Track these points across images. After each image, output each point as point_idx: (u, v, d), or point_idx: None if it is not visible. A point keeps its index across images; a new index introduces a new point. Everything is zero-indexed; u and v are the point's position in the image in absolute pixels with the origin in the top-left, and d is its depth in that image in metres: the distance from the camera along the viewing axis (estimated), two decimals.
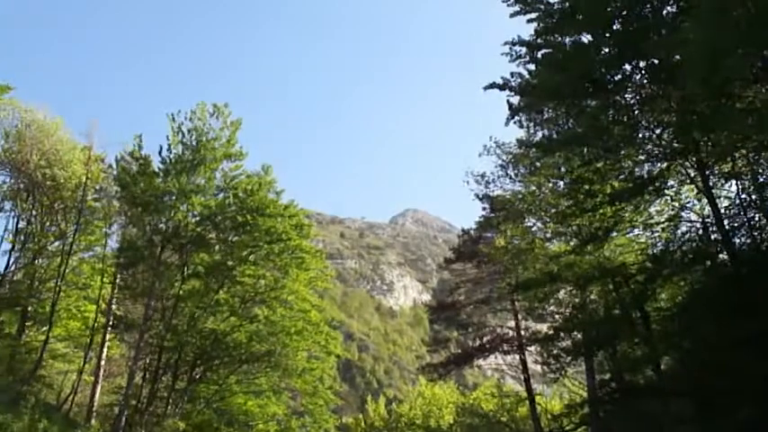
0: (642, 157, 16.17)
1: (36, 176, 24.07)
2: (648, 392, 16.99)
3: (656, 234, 17.59)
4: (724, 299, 13.37)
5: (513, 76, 16.66)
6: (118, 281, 25.20)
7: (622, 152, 15.99)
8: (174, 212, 23.99)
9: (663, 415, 15.92)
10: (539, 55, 16.24)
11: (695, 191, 16.28)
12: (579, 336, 20.43)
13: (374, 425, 44.54)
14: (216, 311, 24.71)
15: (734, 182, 15.42)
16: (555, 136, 17.63)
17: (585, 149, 16.23)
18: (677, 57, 13.47)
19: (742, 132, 12.96)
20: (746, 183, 15.19)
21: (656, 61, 14.67)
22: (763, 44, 11.18)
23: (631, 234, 18.79)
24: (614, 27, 14.93)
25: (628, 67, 15.23)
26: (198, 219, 24.53)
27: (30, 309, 24.78)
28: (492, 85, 16.53)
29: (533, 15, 15.73)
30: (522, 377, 25.36)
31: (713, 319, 13.54)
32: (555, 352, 21.81)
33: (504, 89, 16.58)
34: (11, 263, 25.22)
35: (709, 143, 14.60)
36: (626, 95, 15.64)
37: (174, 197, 23.87)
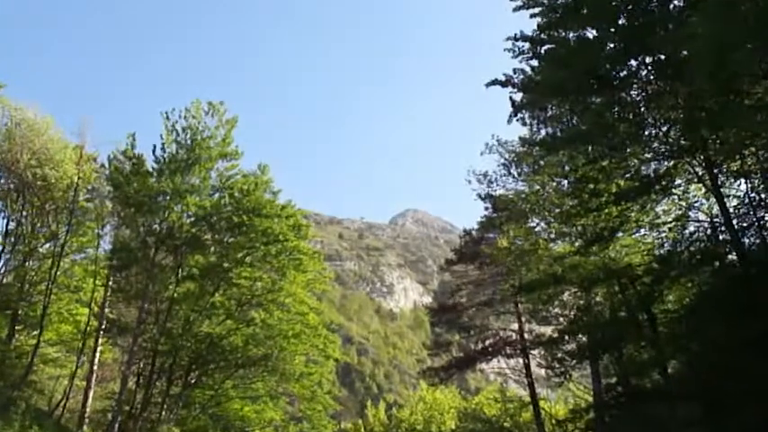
0: (648, 156, 16.17)
1: (26, 176, 24.01)
2: (655, 396, 16.97)
3: (663, 234, 17.58)
4: (733, 300, 13.36)
5: (515, 73, 16.69)
6: (111, 283, 25.14)
7: (628, 150, 15.98)
8: (169, 213, 23.95)
9: (670, 419, 15.90)
10: (542, 50, 16.22)
11: (703, 190, 16.26)
12: (584, 339, 20.43)
13: (374, 430, 44.56)
14: (211, 314, 24.67)
15: (743, 180, 15.42)
16: (559, 134, 17.63)
17: (590, 147, 16.23)
18: (684, 52, 13.46)
19: (751, 129, 12.96)
20: (756, 181, 15.17)
21: (662, 57, 14.65)
22: None
23: (637, 234, 18.78)
24: (620, 22, 14.92)
25: (633, 62, 15.23)
26: (193, 219, 24.50)
27: (20, 312, 24.71)
28: (494, 82, 16.54)
29: (536, 10, 15.71)
30: (526, 381, 25.35)
31: (722, 320, 13.52)
32: (559, 355, 21.81)
33: (507, 86, 16.60)
34: (0, 265, 25.21)
35: (718, 141, 14.58)
36: (632, 92, 15.64)
37: (168, 197, 23.84)
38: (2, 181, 25.24)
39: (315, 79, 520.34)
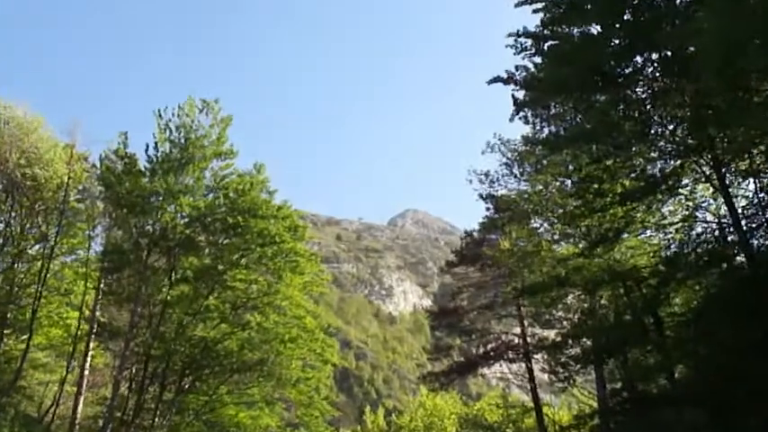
0: (654, 155, 16.15)
1: (15, 176, 23.97)
2: (662, 402, 16.93)
3: (670, 235, 17.55)
4: (741, 303, 13.33)
5: (518, 70, 16.64)
6: (102, 286, 25.10)
7: (633, 149, 15.95)
8: (162, 214, 23.91)
9: (677, 425, 15.88)
10: (545, 47, 16.19)
11: (711, 190, 16.24)
12: (588, 343, 20.41)
13: None
14: (206, 318, 24.62)
15: (751, 180, 15.38)
16: (562, 132, 17.60)
17: (594, 146, 16.19)
18: (691, 48, 13.45)
19: (760, 127, 12.94)
20: (765, 181, 15.15)
21: (669, 53, 14.63)
22: None
23: (643, 235, 18.77)
24: (625, 17, 14.88)
25: (639, 59, 15.19)
26: (186, 220, 24.45)
27: (9, 316, 24.66)
28: (496, 79, 16.51)
29: (539, 5, 15.68)
30: (529, 386, 25.33)
31: (730, 324, 13.50)
32: (563, 360, 21.79)
33: (509, 83, 16.56)
34: None
35: (726, 139, 14.56)
36: (637, 89, 15.60)
37: (161, 198, 23.80)
38: None
39: (312, 78, 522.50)
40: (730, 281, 14.90)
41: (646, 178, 16.18)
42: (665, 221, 17.45)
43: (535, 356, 24.90)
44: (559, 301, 21.72)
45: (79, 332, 24.53)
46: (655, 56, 15.04)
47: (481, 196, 24.54)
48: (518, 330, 25.80)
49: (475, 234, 27.55)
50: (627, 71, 15.34)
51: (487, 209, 24.99)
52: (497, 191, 24.15)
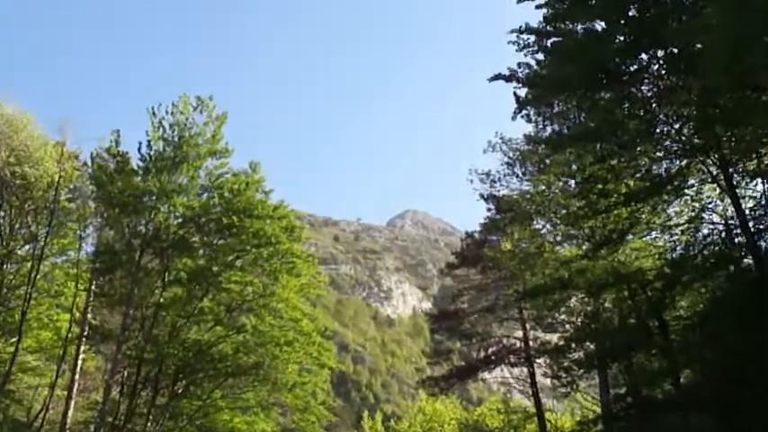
0: (660, 154, 16.15)
1: (4, 174, 23.90)
2: (667, 407, 16.95)
3: (676, 237, 17.56)
4: (748, 306, 13.34)
5: (520, 67, 16.64)
6: (93, 288, 25.04)
7: (639, 148, 15.96)
8: (155, 214, 23.87)
9: (682, 431, 15.88)
10: (548, 44, 16.19)
11: (717, 190, 16.25)
12: (592, 347, 20.41)
13: None
14: (200, 321, 24.60)
15: (759, 180, 15.41)
16: (565, 131, 17.62)
17: (598, 146, 16.18)
18: (698, 45, 13.44)
19: None
20: None
21: (675, 50, 14.63)
22: None
23: (648, 237, 18.78)
24: (630, 13, 14.90)
25: (644, 56, 15.20)
26: (180, 220, 24.41)
27: None
28: (497, 77, 16.50)
29: (542, 1, 15.68)
30: (531, 391, 25.34)
31: (737, 327, 13.51)
32: (566, 364, 21.80)
33: (511, 81, 16.55)
34: None
35: (733, 138, 14.57)
36: (642, 87, 15.62)
37: (154, 197, 23.75)
38: None
39: (309, 76, 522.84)
40: (737, 283, 14.92)
41: (651, 178, 16.18)
42: (671, 223, 17.46)
43: (537, 361, 24.91)
44: (562, 304, 21.71)
45: (70, 335, 24.47)
46: (660, 53, 15.04)
47: (482, 196, 24.59)
48: (520, 334, 25.81)
49: (476, 235, 27.57)
50: (632, 68, 15.34)
51: (489, 209, 25.05)
52: (499, 191, 24.21)
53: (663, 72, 15.19)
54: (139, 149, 24.02)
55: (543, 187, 22.44)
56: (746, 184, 15.75)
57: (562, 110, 17.64)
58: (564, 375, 22.09)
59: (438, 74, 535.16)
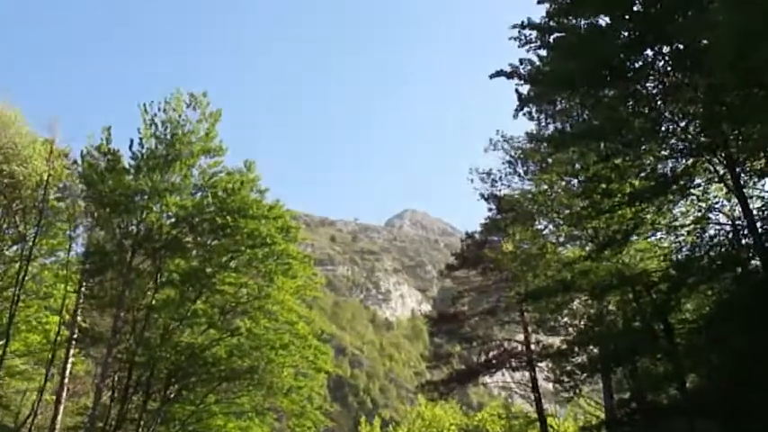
0: (665, 153, 16.16)
1: None
2: (672, 413, 16.97)
3: (681, 238, 17.58)
4: (755, 308, 13.35)
5: (522, 63, 16.63)
6: (83, 289, 25.01)
7: (643, 147, 15.97)
8: (147, 213, 23.84)
9: None
10: (551, 39, 16.19)
11: (724, 190, 16.26)
12: (595, 350, 20.43)
13: None
14: (193, 323, 24.57)
15: (767, 180, 15.41)
16: (568, 129, 17.60)
17: (602, 144, 16.20)
18: (704, 41, 13.45)
19: None
20: None
21: (681, 46, 14.65)
22: None
23: (653, 238, 18.80)
24: (635, 8, 14.91)
25: (650, 52, 15.21)
26: (173, 220, 24.38)
27: None
28: (499, 73, 16.49)
29: None
30: (533, 396, 25.34)
31: (744, 330, 13.52)
32: (568, 368, 21.79)
33: (513, 77, 16.55)
34: None
35: (740, 137, 14.58)
36: (647, 84, 15.63)
37: (146, 196, 23.72)
38: None
39: (309, 76, 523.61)
40: (744, 286, 14.92)
41: (656, 178, 16.19)
42: (677, 223, 17.47)
43: (539, 365, 24.93)
44: (565, 306, 21.72)
45: (59, 338, 24.44)
46: (666, 49, 15.06)
47: (483, 196, 24.58)
48: (521, 337, 25.82)
49: (476, 236, 27.59)
50: (637, 65, 15.36)
51: (490, 209, 25.07)
52: (500, 190, 24.19)
53: (668, 69, 15.20)
54: (131, 147, 24.01)
55: (545, 187, 22.43)
56: (754, 183, 15.78)
57: (565, 107, 17.64)
58: (566, 380, 22.07)
59: (438, 74, 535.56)
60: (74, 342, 24.49)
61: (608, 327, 19.91)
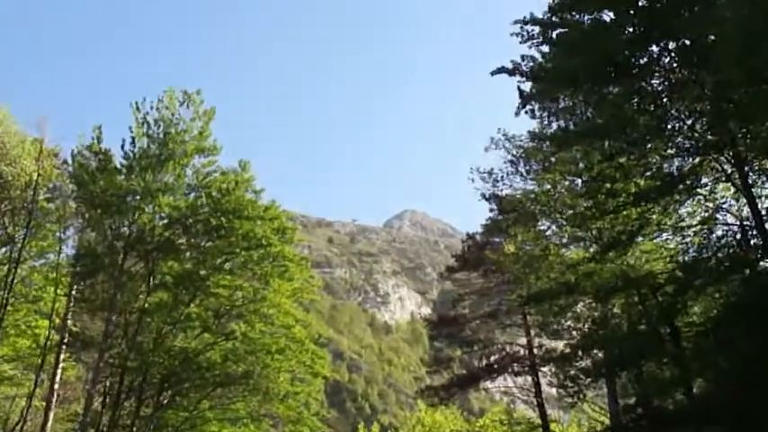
0: (671, 152, 16.14)
1: None
2: (679, 419, 16.93)
3: (688, 239, 17.56)
4: (764, 311, 13.34)
5: (524, 60, 16.58)
6: (74, 292, 25.00)
7: (649, 145, 15.95)
8: (139, 214, 23.83)
9: None
10: (553, 35, 16.16)
11: (732, 189, 16.23)
12: (600, 354, 20.40)
13: None
14: (186, 327, 24.53)
15: None
16: (572, 127, 17.57)
17: (607, 143, 16.17)
18: (711, 37, 13.44)
19: None
20: None
21: (687, 42, 14.64)
22: None
23: (659, 239, 18.78)
24: (640, 3, 14.89)
25: (655, 48, 15.20)
26: (166, 221, 24.38)
27: None
28: (500, 70, 16.45)
29: None
30: (535, 401, 25.35)
31: (752, 333, 13.51)
32: (572, 373, 21.78)
33: (515, 74, 16.51)
34: None
35: (748, 135, 14.56)
36: (653, 81, 15.61)
37: (138, 197, 23.72)
38: None
39: (308, 76, 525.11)
40: (753, 287, 14.89)
41: (662, 177, 16.17)
42: (683, 224, 17.44)
43: (542, 369, 24.91)
44: (569, 309, 21.70)
45: (49, 342, 24.40)
46: (672, 45, 15.04)
47: (484, 196, 24.54)
48: (524, 341, 25.82)
49: (477, 237, 27.57)
50: (642, 61, 15.34)
51: (491, 210, 25.03)
52: (502, 190, 24.15)
53: (674, 65, 15.19)
54: (123, 147, 24.02)
55: (548, 186, 22.40)
56: (762, 182, 15.79)
57: (568, 105, 17.61)
58: (570, 384, 22.07)
59: (438, 73, 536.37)
60: (64, 347, 24.47)
61: (613, 330, 19.89)
